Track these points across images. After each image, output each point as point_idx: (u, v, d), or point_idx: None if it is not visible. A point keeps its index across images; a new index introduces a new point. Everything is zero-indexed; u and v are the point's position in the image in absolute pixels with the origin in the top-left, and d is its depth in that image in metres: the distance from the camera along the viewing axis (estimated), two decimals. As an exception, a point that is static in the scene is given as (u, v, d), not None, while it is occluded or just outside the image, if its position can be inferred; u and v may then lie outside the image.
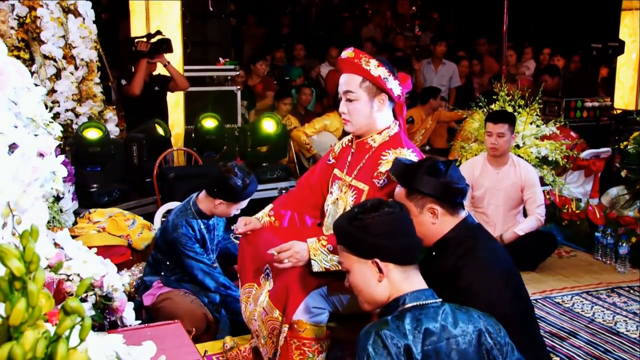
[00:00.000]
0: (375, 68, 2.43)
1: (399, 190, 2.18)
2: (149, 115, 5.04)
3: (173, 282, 3.21)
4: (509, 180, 4.21)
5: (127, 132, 5.05)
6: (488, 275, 1.99)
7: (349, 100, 2.48)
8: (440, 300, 1.67)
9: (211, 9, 6.39)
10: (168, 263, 3.21)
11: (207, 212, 3.18)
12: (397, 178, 2.19)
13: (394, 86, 2.48)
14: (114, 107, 4.90)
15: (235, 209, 3.16)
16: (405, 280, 1.69)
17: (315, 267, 2.33)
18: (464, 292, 1.95)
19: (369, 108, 2.47)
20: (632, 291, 3.91)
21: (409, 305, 1.63)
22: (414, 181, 2.09)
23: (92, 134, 4.19)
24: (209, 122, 5.17)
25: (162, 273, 3.22)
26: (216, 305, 3.20)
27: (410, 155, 2.44)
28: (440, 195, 2.07)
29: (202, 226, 3.20)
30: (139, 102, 5.19)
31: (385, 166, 2.42)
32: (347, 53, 2.49)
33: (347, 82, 2.48)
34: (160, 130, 5.08)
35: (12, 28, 4.11)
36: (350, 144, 2.68)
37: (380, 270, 1.68)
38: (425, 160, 2.21)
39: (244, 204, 3.18)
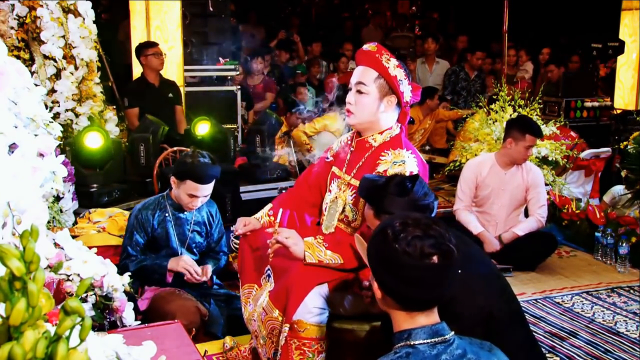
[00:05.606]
0: (394, 68, 2.43)
1: (368, 211, 2.18)
2: (163, 121, 4.96)
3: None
4: (515, 182, 4.23)
5: (129, 133, 5.03)
6: (465, 279, 1.95)
7: (359, 92, 2.47)
8: (451, 337, 1.50)
9: (211, 9, 6.39)
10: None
11: (175, 200, 3.18)
12: (365, 198, 2.18)
13: (406, 90, 2.48)
14: (114, 107, 4.88)
15: (192, 192, 3.04)
16: (409, 320, 1.53)
17: (308, 259, 2.34)
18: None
19: (376, 106, 2.47)
20: (632, 291, 3.91)
21: (414, 342, 1.49)
22: (382, 202, 2.10)
23: (93, 139, 4.13)
24: (202, 127, 5.06)
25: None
26: (206, 297, 3.19)
27: (409, 157, 2.43)
28: None
29: (168, 216, 3.17)
30: (152, 109, 5.15)
31: (383, 166, 2.42)
32: (370, 46, 2.49)
33: (362, 74, 2.48)
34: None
35: (12, 28, 4.10)
36: (350, 142, 2.67)
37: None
38: (392, 178, 2.19)
39: (200, 188, 3.04)
